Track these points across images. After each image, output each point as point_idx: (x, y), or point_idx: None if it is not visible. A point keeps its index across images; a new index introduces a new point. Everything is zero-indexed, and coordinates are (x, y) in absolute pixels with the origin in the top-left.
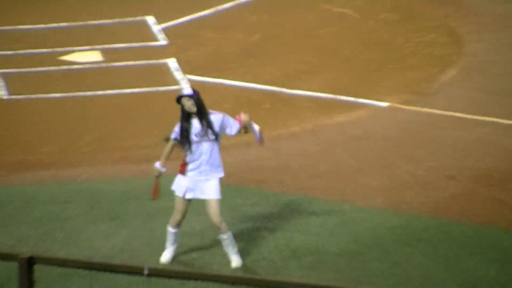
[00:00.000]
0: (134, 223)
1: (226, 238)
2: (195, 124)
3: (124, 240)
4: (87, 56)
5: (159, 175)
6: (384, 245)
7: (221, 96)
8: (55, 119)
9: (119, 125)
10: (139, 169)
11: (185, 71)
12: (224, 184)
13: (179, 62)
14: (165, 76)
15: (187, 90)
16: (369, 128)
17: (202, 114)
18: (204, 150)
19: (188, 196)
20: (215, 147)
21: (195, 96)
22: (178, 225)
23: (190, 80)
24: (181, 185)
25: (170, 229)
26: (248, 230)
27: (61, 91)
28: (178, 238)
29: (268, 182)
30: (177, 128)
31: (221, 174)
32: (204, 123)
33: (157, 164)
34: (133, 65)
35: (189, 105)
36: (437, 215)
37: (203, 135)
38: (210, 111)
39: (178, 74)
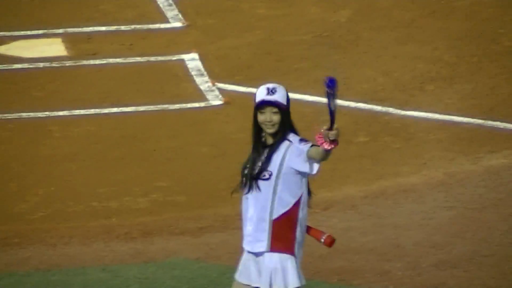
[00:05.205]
0: None
1: None
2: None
3: None
4: (38, 48)
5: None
6: None
7: None
8: None
9: (93, 172)
10: (130, 250)
11: (215, 75)
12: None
13: (203, 59)
14: (178, 83)
15: (275, 94)
16: None
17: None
18: (251, 200)
19: (242, 279)
20: (271, 195)
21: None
22: None
23: (223, 91)
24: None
25: None
26: None
27: None
28: None
29: (362, 274)
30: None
31: (265, 248)
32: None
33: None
34: (121, 63)
35: (268, 117)
36: None
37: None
38: (294, 135)
39: (202, 81)
